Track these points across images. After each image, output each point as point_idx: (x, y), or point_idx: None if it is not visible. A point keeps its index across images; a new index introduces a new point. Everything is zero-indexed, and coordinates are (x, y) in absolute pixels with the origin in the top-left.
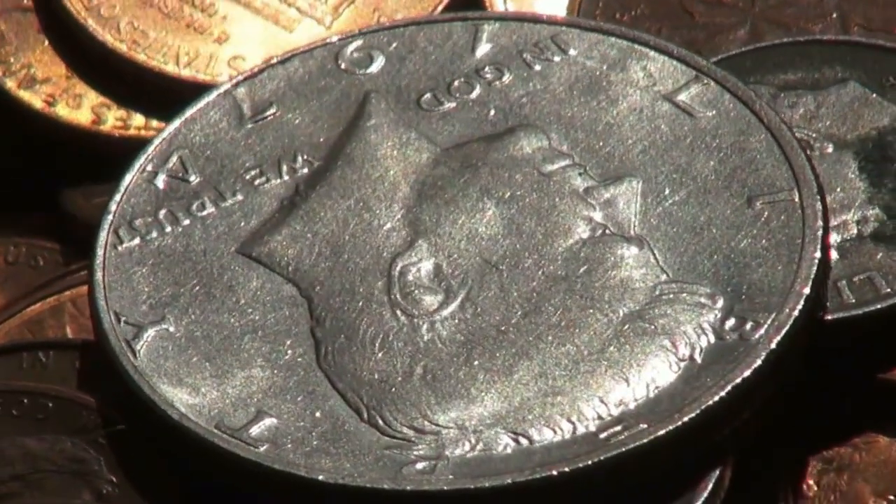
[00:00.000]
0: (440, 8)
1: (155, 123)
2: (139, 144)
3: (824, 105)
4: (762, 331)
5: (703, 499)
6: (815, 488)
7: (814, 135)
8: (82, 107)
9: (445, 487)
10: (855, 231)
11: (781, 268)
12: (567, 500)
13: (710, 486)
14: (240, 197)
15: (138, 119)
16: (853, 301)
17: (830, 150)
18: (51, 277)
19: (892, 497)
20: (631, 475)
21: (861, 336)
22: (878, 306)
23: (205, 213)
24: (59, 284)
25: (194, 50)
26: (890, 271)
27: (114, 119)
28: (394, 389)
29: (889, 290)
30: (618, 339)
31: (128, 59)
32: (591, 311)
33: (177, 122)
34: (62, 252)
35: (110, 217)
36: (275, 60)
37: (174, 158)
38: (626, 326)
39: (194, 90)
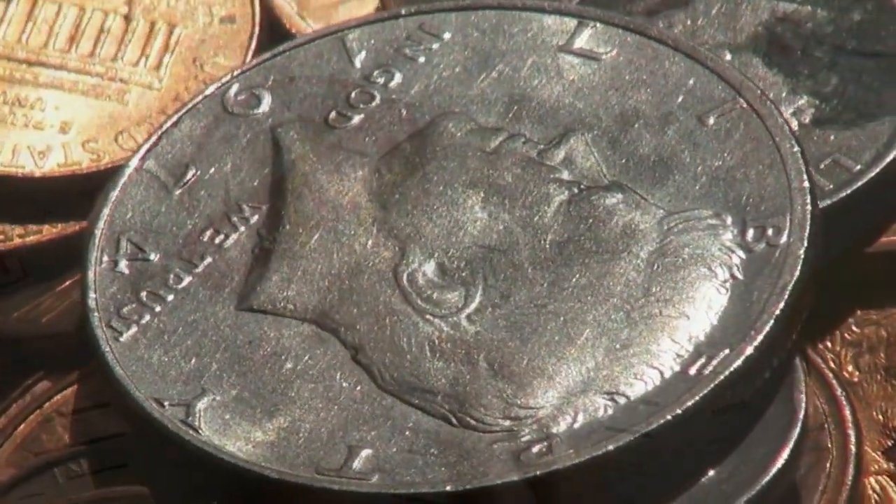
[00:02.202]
0: (252, 46)
1: (34, 227)
2: (29, 252)
3: (699, 18)
4: (787, 232)
5: (803, 404)
6: (858, 372)
7: (706, 48)
8: None
9: (576, 461)
10: (796, 123)
11: (768, 170)
12: (683, 440)
13: (802, 387)
14: (208, 259)
15: (17, 229)
16: (831, 186)
17: (729, 57)
18: (11, 399)
19: None
20: (732, 400)
21: (847, 217)
22: (859, 184)
23: (183, 284)
24: (34, 400)
25: (44, 145)
26: (850, 148)
27: None
28: (468, 388)
29: (860, 166)
30: (655, 281)
31: None
32: (613, 262)
33: (105, 210)
34: None
35: (95, 314)
36: (167, 125)
37: (124, 243)
38: (656, 266)
39: (65, 183)
